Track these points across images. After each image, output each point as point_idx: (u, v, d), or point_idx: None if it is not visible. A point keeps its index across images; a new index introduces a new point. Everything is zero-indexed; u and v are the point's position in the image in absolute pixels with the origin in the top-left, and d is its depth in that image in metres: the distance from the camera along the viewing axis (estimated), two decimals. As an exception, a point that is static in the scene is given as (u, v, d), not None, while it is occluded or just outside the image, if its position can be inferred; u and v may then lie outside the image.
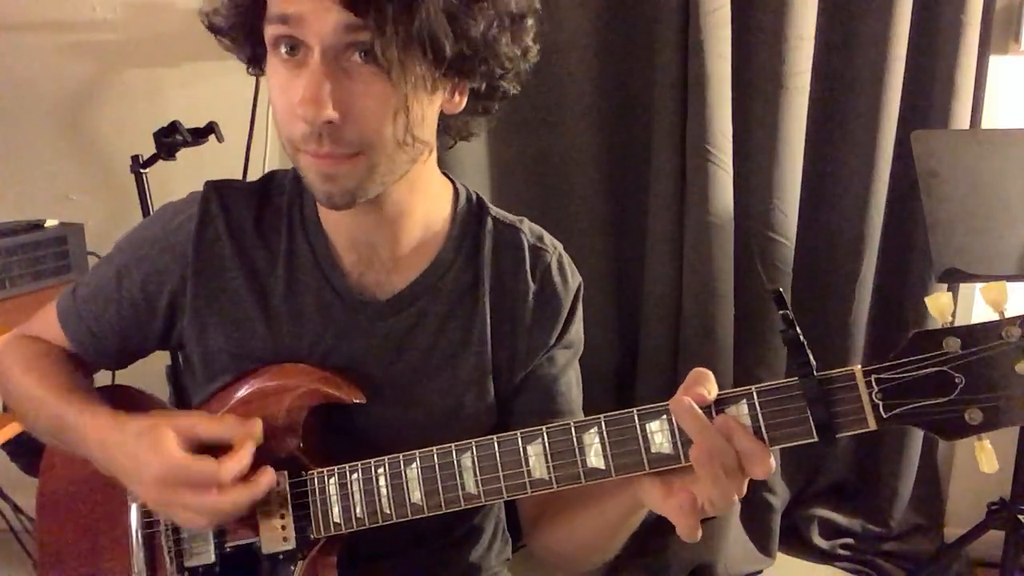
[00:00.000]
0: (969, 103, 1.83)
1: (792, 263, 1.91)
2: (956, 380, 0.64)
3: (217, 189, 0.96)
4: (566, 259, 1.01)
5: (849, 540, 2.10)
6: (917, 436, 2.02)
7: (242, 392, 0.92)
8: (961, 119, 1.83)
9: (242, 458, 0.83)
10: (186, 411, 0.90)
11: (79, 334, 1.00)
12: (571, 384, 1.01)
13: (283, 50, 0.77)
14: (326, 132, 0.77)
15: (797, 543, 2.12)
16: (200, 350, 0.95)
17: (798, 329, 0.68)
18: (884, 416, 0.66)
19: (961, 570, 2.01)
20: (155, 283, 0.95)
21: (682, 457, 0.72)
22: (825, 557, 2.09)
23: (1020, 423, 0.63)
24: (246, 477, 0.83)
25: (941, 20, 1.81)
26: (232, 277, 0.94)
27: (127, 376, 1.08)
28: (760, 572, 2.04)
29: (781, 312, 0.68)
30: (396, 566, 0.99)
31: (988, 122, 1.90)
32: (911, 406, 0.65)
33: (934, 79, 1.84)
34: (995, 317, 0.64)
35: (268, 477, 0.84)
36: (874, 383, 0.66)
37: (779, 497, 2.07)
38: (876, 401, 0.66)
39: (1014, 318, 0.63)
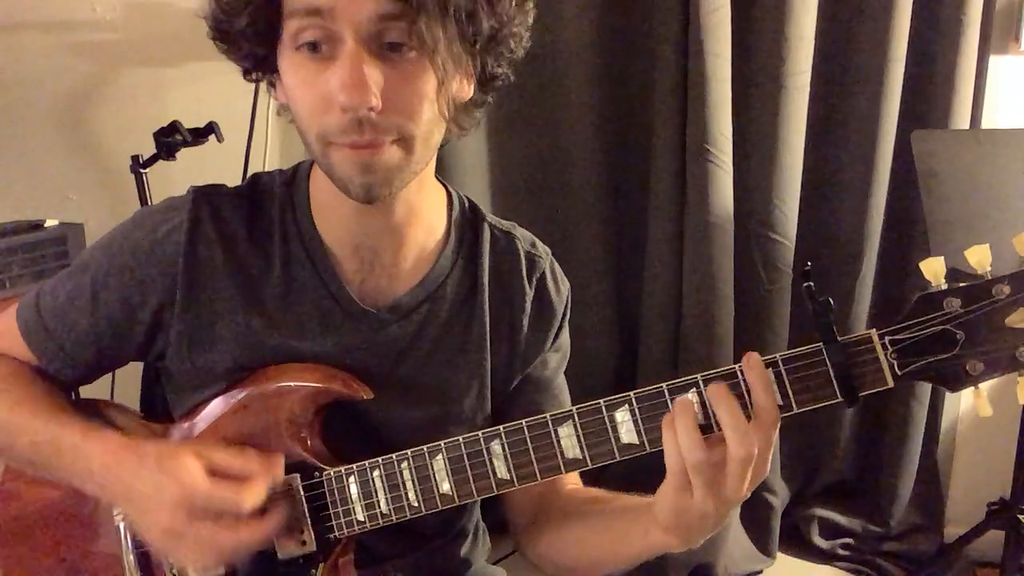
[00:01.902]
0: (969, 103, 1.84)
1: (792, 263, 1.91)
2: (958, 336, 0.70)
3: (206, 196, 0.92)
4: (556, 264, 1.02)
5: (849, 540, 2.10)
6: (917, 436, 2.02)
7: (238, 398, 0.90)
8: (961, 119, 1.83)
9: (262, 490, 0.81)
10: (205, 441, 0.86)
11: (47, 349, 0.94)
12: (563, 387, 1.03)
13: (306, 47, 0.76)
14: (366, 120, 0.75)
15: (797, 543, 2.12)
16: (190, 362, 0.91)
17: (829, 299, 0.73)
18: (899, 374, 0.72)
19: (961, 570, 2.01)
20: (138, 295, 0.90)
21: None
22: (825, 557, 2.09)
23: (1013, 371, 0.69)
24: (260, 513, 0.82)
25: (941, 20, 1.81)
26: (225, 288, 0.90)
27: (124, 372, 1.07)
28: (760, 572, 2.04)
29: (806, 284, 0.73)
30: (398, 567, 0.99)
31: (988, 122, 1.90)
32: (922, 362, 0.71)
33: (934, 79, 1.84)
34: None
35: (280, 516, 0.83)
36: (888, 344, 0.72)
37: (779, 497, 2.07)
38: (891, 360, 0.72)
39: (1002, 277, 0.69)
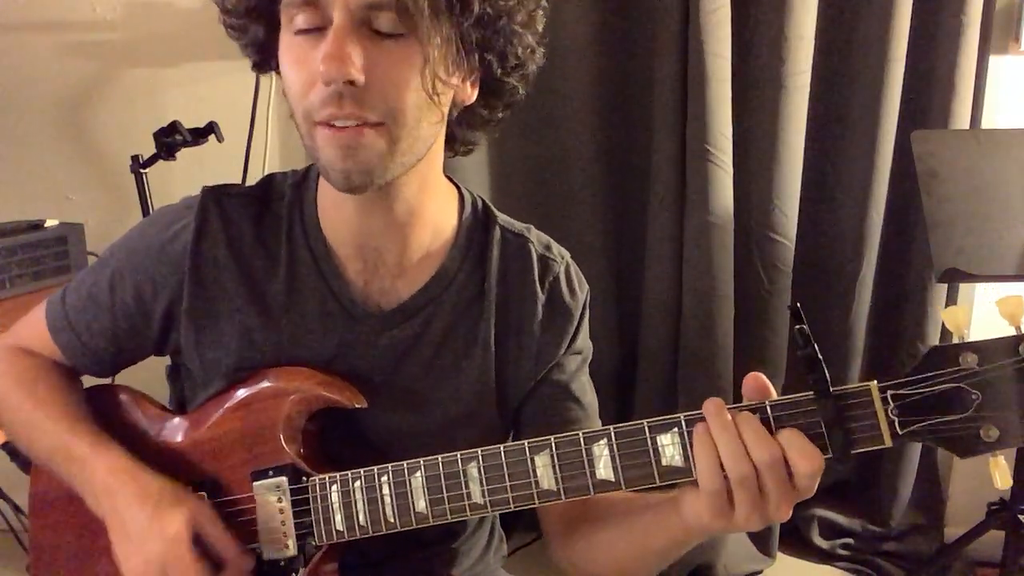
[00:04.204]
0: (969, 103, 1.83)
1: (792, 263, 1.91)
2: (973, 396, 0.63)
3: (215, 196, 0.93)
4: (574, 268, 1.00)
5: (849, 540, 2.10)
6: (917, 436, 2.02)
7: (240, 396, 0.91)
8: (961, 119, 1.83)
9: None
10: (204, 503, 0.88)
11: (70, 344, 0.97)
12: (584, 389, 0.99)
13: (300, 29, 0.77)
14: (348, 94, 0.75)
15: (797, 543, 2.12)
16: (197, 359, 0.93)
17: (815, 345, 0.67)
18: (900, 433, 0.65)
19: (961, 570, 2.01)
20: (150, 291, 0.93)
21: (693, 470, 0.71)
22: (825, 557, 2.09)
23: None
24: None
25: (941, 20, 1.81)
26: (230, 287, 0.91)
27: (127, 374, 1.08)
28: (760, 572, 2.04)
29: (798, 327, 0.68)
30: (398, 570, 0.99)
31: (988, 122, 1.89)
32: (927, 423, 0.64)
33: (934, 79, 1.84)
34: (1010, 331, 0.64)
35: None
36: (890, 399, 0.65)
37: (779, 497, 2.06)
38: (892, 417, 0.65)
39: None
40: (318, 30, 0.76)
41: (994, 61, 1.87)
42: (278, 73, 0.87)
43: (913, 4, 1.78)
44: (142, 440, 0.96)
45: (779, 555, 2.07)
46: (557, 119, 1.90)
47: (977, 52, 1.81)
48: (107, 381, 1.06)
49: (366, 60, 0.75)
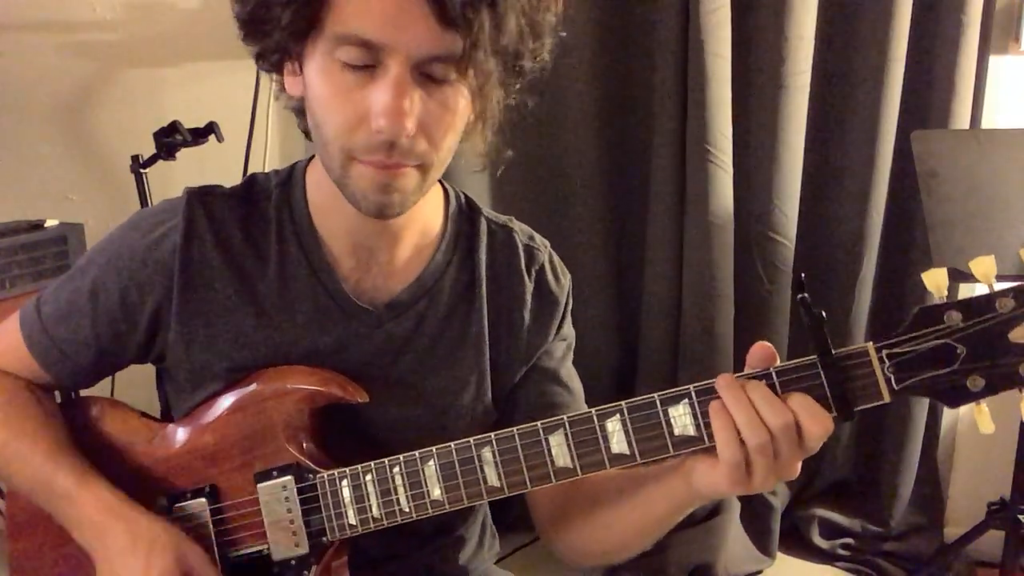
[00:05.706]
0: (969, 103, 1.84)
1: (792, 263, 1.91)
2: (958, 351, 0.68)
3: (200, 197, 0.92)
4: (556, 257, 1.02)
5: (849, 540, 2.10)
6: (917, 436, 2.02)
7: (236, 398, 0.90)
8: (961, 119, 1.83)
9: None
10: (195, 546, 0.87)
11: (48, 355, 0.94)
12: (572, 375, 1.02)
13: (347, 63, 0.75)
14: (398, 145, 0.76)
15: (797, 543, 2.12)
16: (189, 363, 0.92)
17: (822, 312, 0.71)
18: (896, 388, 0.70)
19: (961, 570, 2.01)
20: (136, 297, 0.91)
21: (705, 438, 0.74)
22: (825, 557, 2.09)
23: (1017, 387, 0.67)
24: None
25: (941, 20, 1.81)
26: (221, 287, 0.90)
27: (124, 377, 1.07)
28: (760, 572, 2.04)
29: (800, 296, 0.72)
30: (397, 569, 0.99)
31: (988, 122, 1.90)
32: (920, 377, 0.69)
33: (934, 79, 1.84)
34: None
35: None
36: (886, 358, 0.69)
37: (779, 497, 2.07)
38: (888, 375, 0.70)
39: (1006, 290, 0.67)
40: (366, 67, 0.75)
41: (994, 61, 1.87)
42: (279, 73, 0.85)
43: (913, 4, 1.79)
44: (130, 453, 0.94)
45: (779, 555, 2.07)
46: (557, 119, 1.90)
47: (977, 52, 1.81)
48: (101, 392, 1.05)
49: (421, 109, 0.76)
